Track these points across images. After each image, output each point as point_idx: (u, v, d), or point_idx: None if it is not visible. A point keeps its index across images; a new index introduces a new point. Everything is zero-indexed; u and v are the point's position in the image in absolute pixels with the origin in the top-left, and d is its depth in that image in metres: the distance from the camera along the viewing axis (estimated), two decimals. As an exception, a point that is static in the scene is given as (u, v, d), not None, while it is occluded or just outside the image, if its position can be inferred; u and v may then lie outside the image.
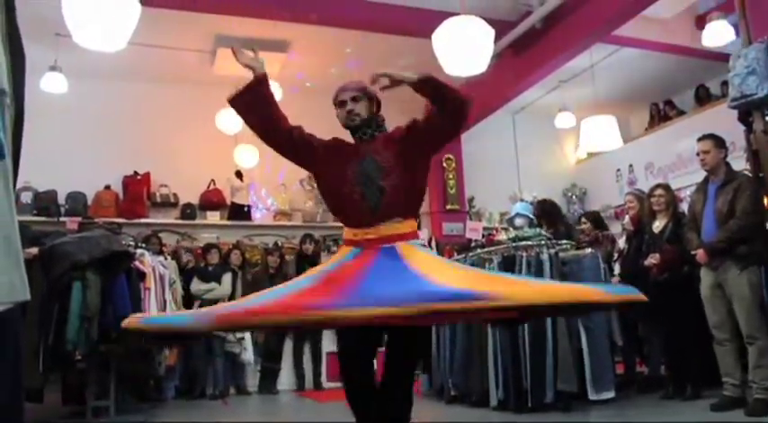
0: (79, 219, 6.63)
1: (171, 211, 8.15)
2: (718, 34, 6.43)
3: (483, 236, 6.99)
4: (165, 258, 6.40)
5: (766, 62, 4.11)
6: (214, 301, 6.63)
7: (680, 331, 4.76)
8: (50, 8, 4.75)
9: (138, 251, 5.48)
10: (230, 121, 7.67)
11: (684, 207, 5.52)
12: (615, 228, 6.95)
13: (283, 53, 7.41)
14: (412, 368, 2.72)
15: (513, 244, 5.18)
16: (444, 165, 9.09)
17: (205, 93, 7.99)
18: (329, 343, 7.26)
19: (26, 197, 7.44)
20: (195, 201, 8.20)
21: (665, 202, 5.05)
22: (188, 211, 8.11)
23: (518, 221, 5.68)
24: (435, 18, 5.19)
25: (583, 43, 6.62)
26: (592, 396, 4.64)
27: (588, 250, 5.09)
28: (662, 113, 9.24)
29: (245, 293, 6.85)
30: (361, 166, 2.60)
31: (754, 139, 4.28)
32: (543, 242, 5.06)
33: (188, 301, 6.61)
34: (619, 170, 9.23)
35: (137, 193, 7.91)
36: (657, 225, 5.07)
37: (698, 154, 4.51)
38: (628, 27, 6.41)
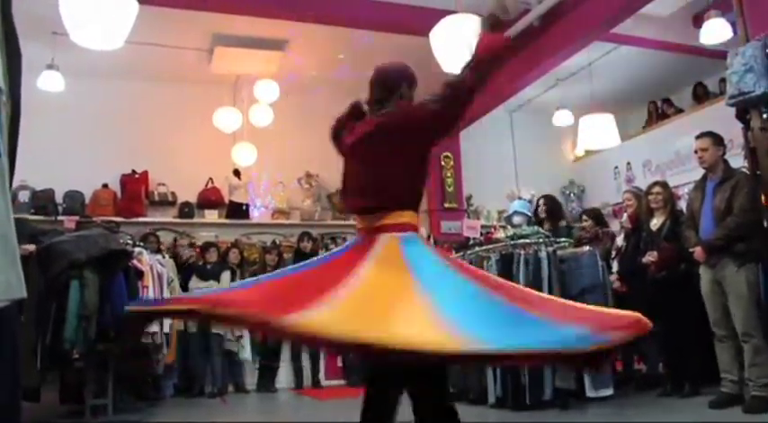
0: (77, 218, 6.63)
1: (169, 210, 8.14)
2: (716, 32, 6.42)
3: (481, 234, 6.98)
4: (163, 257, 6.40)
5: (763, 60, 4.11)
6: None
7: (678, 329, 4.76)
8: (48, 6, 4.73)
9: (136, 250, 5.47)
10: (228, 119, 7.69)
11: (682, 205, 5.53)
12: (613, 225, 6.96)
13: (281, 52, 7.40)
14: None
15: (512, 242, 5.19)
16: (442, 163, 9.09)
17: (203, 91, 8.02)
18: (327, 341, 7.25)
19: (24, 196, 7.43)
20: (193, 199, 8.19)
21: (662, 200, 5.06)
22: (186, 210, 8.10)
23: (516, 219, 5.69)
24: (433, 16, 5.18)
25: (580, 41, 6.61)
26: (590, 393, 4.65)
27: (586, 248, 5.10)
28: (660, 111, 9.24)
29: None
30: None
31: (751, 137, 4.28)
32: (541, 240, 5.07)
33: (186, 299, 6.62)
34: (617, 168, 9.23)
35: (135, 192, 7.90)
36: (655, 223, 5.08)
37: (696, 151, 4.52)
38: (625, 25, 6.41)
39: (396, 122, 2.42)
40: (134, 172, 7.96)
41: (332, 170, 8.75)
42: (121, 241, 5.28)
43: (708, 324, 4.38)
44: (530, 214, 5.81)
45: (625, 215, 5.76)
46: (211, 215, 8.21)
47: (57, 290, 4.50)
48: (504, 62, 2.45)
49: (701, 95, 8.53)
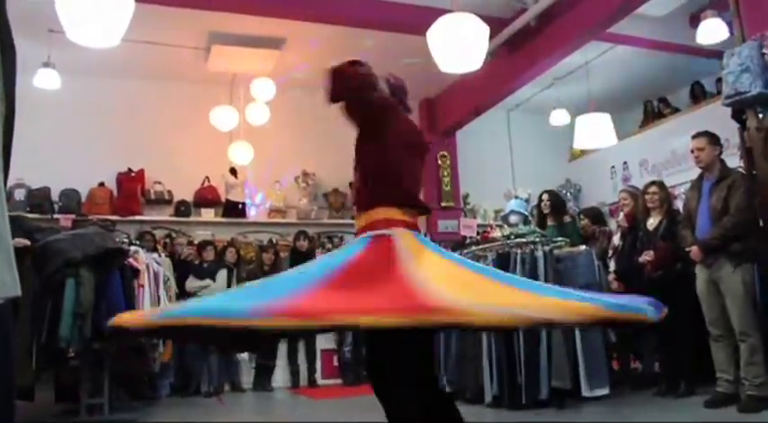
0: (73, 216, 6.62)
1: (165, 209, 8.12)
2: (713, 32, 6.43)
3: (477, 233, 6.99)
4: (160, 255, 6.39)
5: (759, 60, 4.12)
6: (209, 299, 6.64)
7: (674, 328, 4.77)
8: (44, 4, 4.72)
9: (132, 248, 5.46)
10: (225, 117, 7.68)
11: (679, 204, 5.54)
12: (610, 224, 6.96)
13: (278, 50, 7.40)
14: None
15: (508, 241, 5.19)
16: (439, 162, 9.09)
17: (199, 90, 8.01)
18: (324, 340, 7.28)
19: (19, 194, 7.41)
20: (190, 198, 8.17)
21: (659, 200, 5.07)
22: (182, 209, 8.08)
23: (512, 218, 5.70)
24: (430, 15, 5.17)
25: (577, 41, 6.62)
26: (586, 393, 4.66)
27: (582, 247, 5.11)
28: (656, 111, 9.26)
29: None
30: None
31: (747, 137, 4.30)
32: (538, 239, 5.08)
33: (182, 298, 6.60)
34: (613, 167, 9.24)
35: (131, 191, 7.88)
36: (652, 222, 5.09)
37: (692, 151, 4.52)
38: (622, 25, 6.41)
39: None
40: (130, 170, 7.95)
41: (328, 169, 8.84)
42: (117, 240, 5.26)
43: (703, 324, 4.39)
44: (526, 213, 5.82)
45: (621, 214, 5.77)
46: (208, 214, 8.20)
47: (52, 288, 4.49)
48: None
49: (699, 95, 8.55)
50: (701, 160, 4.45)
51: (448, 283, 2.03)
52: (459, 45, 4.98)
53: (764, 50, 4.13)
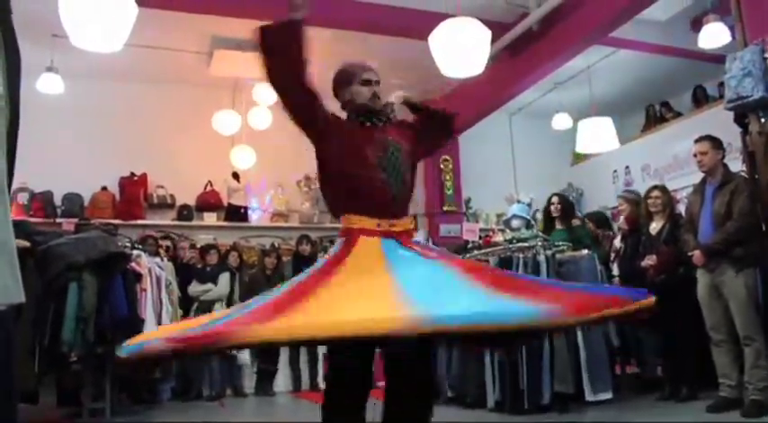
0: (76, 220, 6.63)
1: (168, 213, 8.14)
2: (715, 36, 6.43)
3: (480, 237, 6.98)
4: (162, 259, 6.39)
5: (761, 64, 4.12)
6: (211, 303, 6.64)
7: (676, 332, 4.77)
8: (47, 9, 4.73)
9: (135, 252, 5.47)
10: (227, 122, 7.69)
11: (681, 208, 5.54)
12: (614, 229, 6.95)
13: (280, 54, 7.40)
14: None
15: (510, 245, 5.19)
16: (441, 166, 9.09)
17: (202, 94, 8.03)
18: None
19: (23, 198, 7.42)
20: (192, 202, 8.18)
21: (661, 204, 5.06)
22: (185, 213, 8.09)
23: (515, 223, 5.69)
24: (432, 20, 5.19)
25: (579, 45, 6.63)
26: (589, 397, 4.64)
27: (585, 251, 5.10)
28: (658, 115, 9.26)
29: (242, 295, 6.86)
30: (386, 153, 2.45)
31: (749, 141, 4.29)
32: (540, 244, 5.07)
33: (185, 302, 6.61)
34: (615, 172, 9.24)
35: (133, 195, 7.89)
36: (654, 226, 5.08)
37: (695, 155, 4.51)
38: (624, 29, 6.42)
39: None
40: (133, 174, 7.96)
41: (331, 173, 8.81)
42: (120, 244, 5.27)
43: (706, 328, 4.38)
44: (528, 218, 5.80)
45: (622, 218, 5.77)
46: (210, 218, 8.21)
47: (55, 292, 4.50)
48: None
49: (701, 99, 8.55)
50: (704, 164, 4.45)
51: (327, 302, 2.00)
52: (460, 49, 4.99)
53: (766, 55, 4.13)
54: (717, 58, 6.47)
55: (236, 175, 8.14)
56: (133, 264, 5.25)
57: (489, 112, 8.33)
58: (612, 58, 7.80)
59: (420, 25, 5.65)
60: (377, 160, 2.42)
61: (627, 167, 9.04)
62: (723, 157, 4.48)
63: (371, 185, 2.40)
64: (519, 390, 4.63)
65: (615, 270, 5.47)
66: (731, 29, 6.04)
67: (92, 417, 4.82)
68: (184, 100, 8.14)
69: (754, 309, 4.11)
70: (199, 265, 7.10)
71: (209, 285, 6.82)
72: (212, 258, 7.10)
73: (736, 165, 4.93)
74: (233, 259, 7.32)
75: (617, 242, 5.63)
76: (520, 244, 5.15)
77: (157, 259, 6.17)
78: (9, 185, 1.66)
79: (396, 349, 2.35)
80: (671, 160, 8.13)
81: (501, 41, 6.76)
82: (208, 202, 8.21)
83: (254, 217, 8.42)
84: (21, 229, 4.88)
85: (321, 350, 7.24)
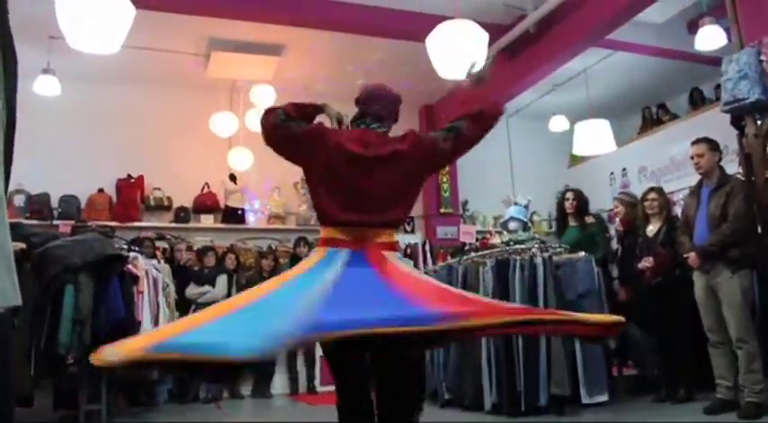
0: (72, 222, 6.61)
1: (165, 215, 8.13)
2: (711, 39, 6.44)
3: (477, 239, 6.99)
4: (159, 262, 6.38)
5: (757, 67, 4.14)
6: (208, 305, 6.61)
7: (673, 334, 4.77)
8: (44, 11, 4.74)
9: (132, 254, 5.46)
10: (224, 124, 7.69)
11: (677, 210, 5.55)
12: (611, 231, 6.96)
13: (278, 56, 7.41)
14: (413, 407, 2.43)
15: (507, 247, 5.19)
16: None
17: (199, 96, 8.03)
18: (323, 347, 7.25)
19: (19, 200, 7.42)
20: (189, 204, 8.17)
21: (658, 206, 5.07)
22: (182, 215, 8.08)
23: (512, 225, 5.68)
24: (429, 22, 5.19)
25: (576, 47, 6.64)
26: (585, 399, 4.64)
27: (582, 254, 5.10)
28: (655, 117, 9.28)
29: (239, 297, 6.85)
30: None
31: (746, 143, 4.31)
32: (537, 246, 5.08)
33: (182, 304, 6.59)
34: (612, 174, 9.25)
35: (130, 197, 7.88)
36: (651, 229, 5.09)
37: (692, 157, 4.53)
38: (621, 31, 6.44)
39: (424, 150, 2.52)
40: (130, 176, 7.96)
41: (328, 175, 8.81)
42: (117, 246, 5.26)
43: (702, 330, 4.38)
44: (525, 220, 5.80)
45: (617, 220, 5.78)
46: (207, 220, 8.20)
47: (51, 294, 4.49)
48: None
49: (698, 101, 8.57)
50: (701, 166, 4.46)
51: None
52: (458, 51, 4.99)
53: (762, 57, 4.15)
54: (713, 61, 6.49)
55: (233, 177, 8.14)
56: (130, 266, 5.24)
57: (486, 114, 8.32)
58: (609, 60, 7.82)
59: (418, 27, 5.66)
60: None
61: (624, 169, 9.05)
62: (720, 159, 4.49)
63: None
64: (516, 392, 4.63)
65: (615, 272, 5.46)
66: (727, 31, 6.06)
67: (88, 419, 4.81)
68: (181, 102, 8.13)
69: (748, 311, 4.12)
70: (196, 268, 7.09)
71: (207, 287, 6.81)
72: (209, 260, 7.09)
73: (733, 167, 4.94)
74: (230, 261, 7.31)
75: (613, 244, 5.65)
76: (517, 246, 5.16)
77: (154, 261, 6.16)
78: (6, 188, 1.66)
79: (379, 352, 2.37)
80: (668, 162, 8.14)
81: (498, 44, 6.77)
82: (205, 204, 8.20)
83: (252, 219, 8.41)
84: (17, 231, 4.87)
85: (318, 353, 7.25)
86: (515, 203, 5.99)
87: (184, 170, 8.07)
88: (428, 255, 8.57)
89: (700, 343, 4.44)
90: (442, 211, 9.04)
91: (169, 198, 8.14)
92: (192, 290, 6.78)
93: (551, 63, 6.93)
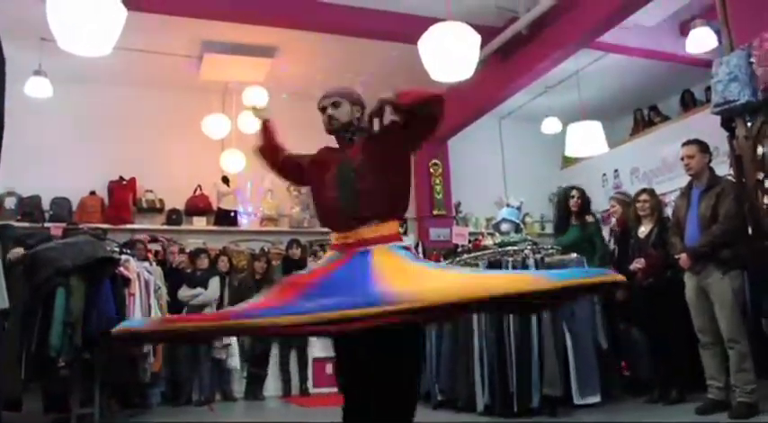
0: (64, 225, 6.59)
1: (157, 217, 8.10)
2: (702, 41, 6.49)
3: (469, 241, 7.00)
4: (151, 264, 6.36)
5: (747, 69, 4.16)
6: (201, 307, 6.62)
7: (665, 335, 4.79)
8: (35, 12, 4.70)
9: (123, 257, 5.44)
10: (217, 125, 7.67)
11: (669, 212, 5.57)
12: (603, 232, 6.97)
13: (270, 58, 7.41)
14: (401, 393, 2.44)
15: (500, 249, 5.21)
16: (431, 170, 9.11)
17: (191, 98, 8.01)
18: (316, 349, 7.26)
19: (10, 202, 7.38)
20: (181, 206, 8.15)
21: (649, 208, 5.10)
22: (174, 217, 8.06)
23: (504, 227, 5.69)
24: (421, 24, 5.20)
25: (568, 49, 6.66)
26: (577, 400, 4.65)
27: (573, 255, 5.11)
28: (646, 119, 9.32)
29: (231, 299, 6.85)
30: (338, 170, 2.59)
31: (736, 145, 4.34)
32: (529, 247, 5.09)
33: (174, 307, 6.57)
34: (605, 175, 9.28)
35: (122, 199, 7.85)
36: (643, 230, 5.12)
37: (682, 159, 4.55)
38: (613, 34, 6.46)
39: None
40: (122, 179, 7.93)
41: (321, 177, 8.81)
42: (108, 248, 5.24)
43: (695, 331, 4.40)
44: (518, 221, 5.81)
45: (613, 220, 5.78)
46: (199, 222, 8.18)
47: (42, 297, 4.47)
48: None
49: (689, 103, 8.61)
50: (691, 168, 4.48)
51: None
52: (450, 53, 5.00)
53: (752, 59, 4.17)
54: (704, 63, 6.53)
55: (225, 179, 8.12)
56: (121, 268, 5.22)
57: (479, 116, 8.35)
58: (601, 62, 7.85)
59: (410, 30, 5.66)
60: (332, 179, 2.61)
61: (616, 171, 9.08)
62: (710, 160, 4.51)
63: (328, 203, 2.64)
64: (508, 393, 4.64)
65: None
66: (718, 34, 6.09)
67: (80, 422, 4.79)
68: (174, 104, 8.11)
69: (739, 311, 4.14)
70: (188, 270, 7.07)
71: (199, 290, 6.79)
72: (202, 263, 7.07)
73: (724, 168, 4.97)
74: (223, 264, 7.30)
75: (611, 244, 5.65)
76: (509, 248, 5.17)
77: (146, 264, 6.14)
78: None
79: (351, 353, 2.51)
80: (659, 164, 8.17)
81: (490, 46, 6.79)
82: (197, 206, 8.18)
83: (244, 221, 8.40)
84: (9, 234, 4.86)
85: (311, 355, 7.25)
86: (508, 205, 6.00)
87: (177, 172, 8.05)
88: (421, 256, 8.57)
89: (692, 344, 4.46)
90: (435, 212, 9.04)
91: (161, 200, 8.11)
92: (184, 292, 6.76)
93: (543, 65, 6.94)
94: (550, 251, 5.21)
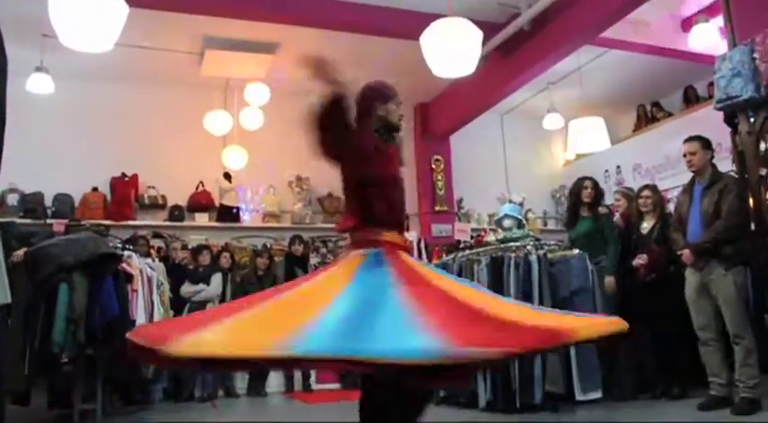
0: (66, 221, 6.60)
1: (159, 213, 8.11)
2: (704, 37, 6.48)
3: (471, 237, 7.00)
4: (153, 260, 6.37)
5: (750, 64, 4.15)
6: (203, 303, 6.62)
7: (667, 331, 4.79)
8: (37, 9, 4.71)
9: (126, 253, 5.44)
10: (218, 122, 7.67)
11: (671, 208, 5.56)
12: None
13: (272, 55, 7.40)
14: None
15: (502, 245, 5.20)
16: (433, 166, 9.11)
17: (193, 94, 8.01)
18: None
19: (12, 199, 7.39)
20: (183, 203, 8.16)
21: (652, 203, 5.10)
22: (176, 213, 8.07)
23: (506, 223, 5.69)
24: (424, 20, 5.19)
25: (570, 45, 6.65)
26: (579, 397, 4.65)
27: (576, 251, 5.11)
28: (649, 115, 9.30)
29: (233, 295, 6.85)
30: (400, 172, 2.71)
31: (739, 140, 4.33)
32: (531, 243, 5.09)
33: (177, 303, 6.57)
34: (607, 171, 9.26)
35: (124, 195, 7.86)
36: (645, 226, 5.11)
37: (684, 155, 4.54)
38: (615, 30, 6.44)
39: None
40: (124, 175, 7.94)
41: (322, 174, 8.74)
42: (111, 245, 5.25)
43: (697, 326, 4.40)
44: (520, 217, 5.80)
45: (617, 214, 5.78)
46: (202, 218, 8.19)
47: (45, 293, 4.48)
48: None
49: (692, 98, 8.59)
50: (693, 164, 4.47)
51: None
52: (452, 49, 5.00)
53: (755, 55, 4.16)
54: (707, 59, 6.52)
55: (227, 176, 8.13)
56: (124, 264, 5.23)
57: (481, 112, 8.35)
58: (604, 58, 7.83)
59: (412, 25, 5.66)
60: (399, 179, 2.68)
61: (618, 167, 9.07)
62: (712, 157, 4.50)
63: (395, 200, 2.64)
64: (511, 389, 4.63)
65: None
66: (721, 29, 6.08)
67: (83, 418, 4.80)
68: (176, 100, 8.11)
69: (743, 307, 4.14)
70: (191, 266, 7.07)
71: (202, 286, 6.80)
72: (204, 259, 7.08)
73: (727, 164, 4.96)
74: (225, 260, 7.30)
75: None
76: (511, 243, 5.16)
77: (149, 260, 6.15)
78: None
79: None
80: (662, 160, 8.16)
81: (492, 42, 6.78)
82: (199, 202, 8.19)
83: (246, 217, 8.40)
84: (13, 232, 4.86)
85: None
86: (510, 201, 6.02)
87: (179, 169, 8.06)
88: (423, 252, 8.57)
89: (694, 340, 4.45)
90: (437, 208, 9.04)
91: (164, 196, 8.12)
92: (186, 288, 6.77)
93: (546, 61, 6.93)
94: (553, 247, 5.20)
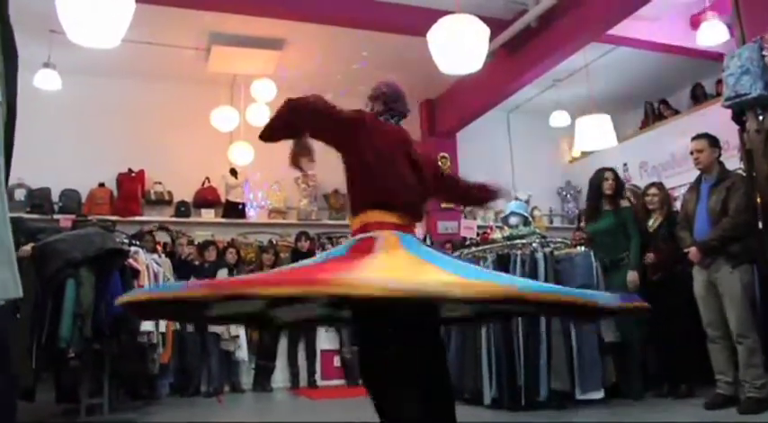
0: (73, 216, 6.63)
1: (165, 209, 8.13)
2: (713, 34, 6.43)
3: (477, 234, 6.99)
4: (159, 256, 6.39)
5: (759, 62, 4.13)
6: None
7: (674, 329, 4.78)
8: (44, 4, 4.72)
9: (133, 249, 5.46)
10: (225, 118, 7.68)
11: (678, 206, 5.54)
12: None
13: (278, 51, 7.40)
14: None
15: (508, 242, 5.20)
16: (439, 163, 9.08)
17: (200, 90, 8.02)
18: (324, 341, 7.29)
19: (20, 194, 7.42)
20: (190, 198, 8.18)
21: (659, 201, 5.09)
22: (182, 209, 8.09)
23: (512, 220, 5.69)
24: (431, 16, 5.18)
25: (577, 42, 6.63)
26: (579, 396, 4.64)
27: (581, 249, 5.10)
28: (656, 112, 9.26)
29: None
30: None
31: (747, 138, 4.30)
32: (537, 241, 5.08)
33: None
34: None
35: (131, 191, 7.89)
36: (652, 224, 5.10)
37: (692, 153, 4.53)
38: (622, 26, 6.42)
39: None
40: (131, 171, 7.96)
41: (328, 170, 8.73)
42: (117, 240, 5.26)
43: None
44: (526, 215, 5.80)
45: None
46: (208, 214, 8.20)
47: (52, 289, 4.48)
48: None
49: (699, 96, 8.55)
50: (700, 162, 4.46)
51: (384, 269, 2.16)
52: (459, 46, 4.98)
53: (764, 52, 4.14)
54: (715, 56, 6.48)
55: (233, 172, 8.13)
56: (131, 260, 5.24)
57: (487, 109, 8.34)
58: (611, 55, 7.80)
59: (419, 22, 5.64)
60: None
61: (625, 165, 9.03)
62: (719, 155, 4.49)
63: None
64: (516, 387, 4.64)
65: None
66: (729, 26, 6.05)
67: (90, 413, 4.82)
68: (182, 96, 8.13)
69: (749, 305, 4.12)
70: (197, 262, 7.10)
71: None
72: (210, 255, 7.10)
73: (735, 162, 4.94)
74: (231, 256, 7.32)
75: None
76: (518, 241, 5.16)
77: (155, 255, 6.17)
78: (6, 182, 1.66)
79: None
80: (669, 158, 8.13)
81: (499, 38, 6.76)
82: (206, 198, 8.20)
83: (252, 213, 8.42)
84: (20, 227, 4.88)
85: (319, 347, 7.27)
86: (516, 198, 5.99)
87: (185, 164, 8.07)
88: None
89: (701, 339, 4.44)
90: (443, 205, 9.02)
91: (170, 192, 8.14)
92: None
93: (552, 58, 6.91)
94: (558, 245, 5.19)
